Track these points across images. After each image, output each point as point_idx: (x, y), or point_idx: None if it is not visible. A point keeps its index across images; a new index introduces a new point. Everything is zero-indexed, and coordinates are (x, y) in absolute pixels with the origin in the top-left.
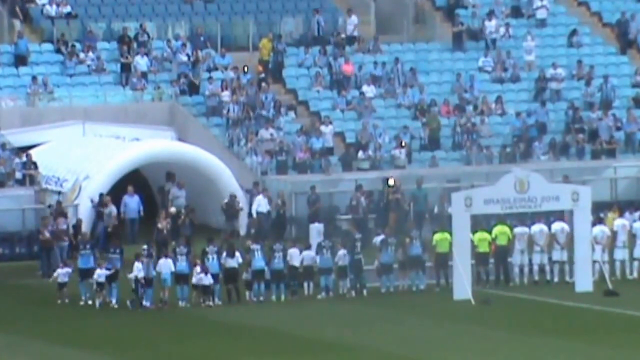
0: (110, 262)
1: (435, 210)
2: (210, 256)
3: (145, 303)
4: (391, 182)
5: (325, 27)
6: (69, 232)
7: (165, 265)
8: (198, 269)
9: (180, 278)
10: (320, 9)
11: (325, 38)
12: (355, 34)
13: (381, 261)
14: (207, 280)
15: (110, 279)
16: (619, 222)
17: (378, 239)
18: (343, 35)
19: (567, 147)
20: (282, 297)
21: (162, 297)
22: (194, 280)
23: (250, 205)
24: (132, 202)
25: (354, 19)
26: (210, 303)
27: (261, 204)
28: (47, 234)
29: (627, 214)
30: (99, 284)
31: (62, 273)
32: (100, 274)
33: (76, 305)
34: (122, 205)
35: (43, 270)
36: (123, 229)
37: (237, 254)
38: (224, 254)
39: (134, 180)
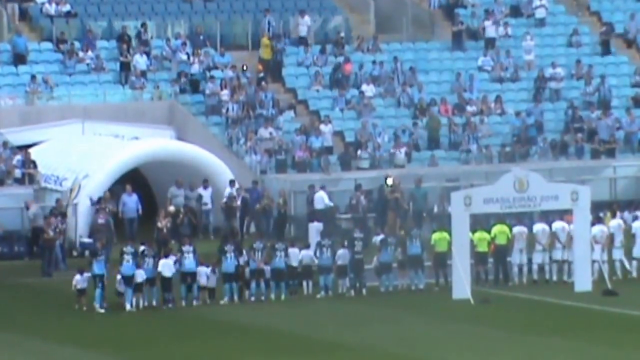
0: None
1: (435, 209)
2: (229, 255)
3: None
4: (389, 181)
5: (276, 27)
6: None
7: (168, 265)
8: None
9: (187, 277)
10: (269, 8)
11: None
12: (304, 34)
13: (380, 260)
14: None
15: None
16: (614, 223)
17: (377, 239)
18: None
19: (566, 147)
20: (282, 296)
21: (167, 297)
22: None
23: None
24: (131, 201)
25: (306, 19)
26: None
27: (323, 199)
28: (51, 233)
29: (626, 213)
30: (138, 284)
31: (80, 279)
32: (139, 273)
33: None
34: (121, 205)
35: (44, 269)
36: (122, 228)
37: (244, 252)
38: (232, 254)
39: (133, 179)
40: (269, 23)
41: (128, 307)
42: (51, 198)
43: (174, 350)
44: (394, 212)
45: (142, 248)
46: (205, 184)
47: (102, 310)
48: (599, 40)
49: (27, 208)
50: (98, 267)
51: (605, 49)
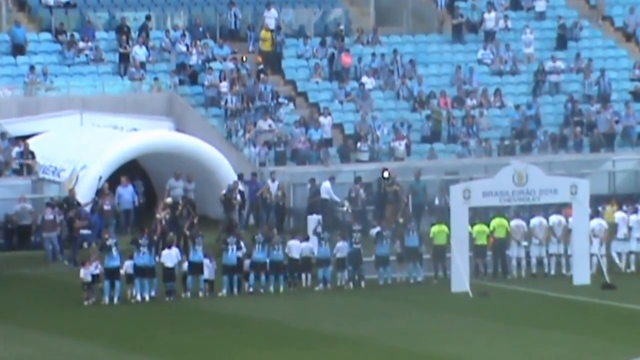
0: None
1: (437, 202)
2: (230, 247)
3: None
4: (386, 174)
5: (242, 20)
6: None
7: (171, 256)
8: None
9: (195, 268)
10: (235, 2)
11: (240, 32)
12: (273, 27)
13: (377, 253)
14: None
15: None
16: (619, 215)
17: (374, 231)
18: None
19: (565, 140)
20: (281, 289)
21: (169, 287)
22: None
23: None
24: (126, 193)
25: (273, 12)
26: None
27: (328, 190)
28: (80, 222)
29: (624, 207)
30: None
31: (87, 272)
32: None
33: (75, 296)
34: (116, 196)
35: (69, 258)
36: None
37: (242, 244)
38: (233, 246)
39: (133, 170)
40: (235, 16)
41: (139, 297)
42: (49, 189)
43: (171, 342)
44: (392, 205)
45: (143, 237)
46: (240, 178)
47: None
48: (555, 35)
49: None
50: (112, 259)
51: (561, 44)
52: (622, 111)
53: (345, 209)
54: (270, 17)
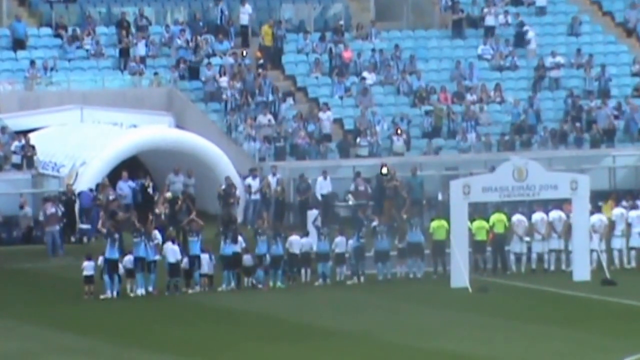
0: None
1: (440, 197)
2: (224, 240)
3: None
4: (384, 170)
5: (227, 15)
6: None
7: (173, 250)
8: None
9: (194, 262)
10: None
11: (225, 28)
12: (246, 22)
13: (374, 248)
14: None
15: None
16: (617, 211)
17: (371, 226)
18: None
19: (565, 136)
20: (278, 283)
21: (172, 282)
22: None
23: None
24: (127, 188)
25: (247, 8)
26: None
27: (323, 186)
28: (122, 215)
29: (623, 203)
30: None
31: (87, 266)
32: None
33: (75, 291)
34: (117, 190)
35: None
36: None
37: (240, 239)
38: (229, 240)
39: (135, 166)
40: (221, 12)
41: (139, 291)
42: (49, 184)
43: (170, 336)
44: (390, 201)
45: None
46: (254, 173)
47: (115, 296)
48: (513, 32)
49: (22, 207)
50: (113, 252)
51: (519, 40)
52: (623, 107)
53: (350, 202)
54: (245, 12)
